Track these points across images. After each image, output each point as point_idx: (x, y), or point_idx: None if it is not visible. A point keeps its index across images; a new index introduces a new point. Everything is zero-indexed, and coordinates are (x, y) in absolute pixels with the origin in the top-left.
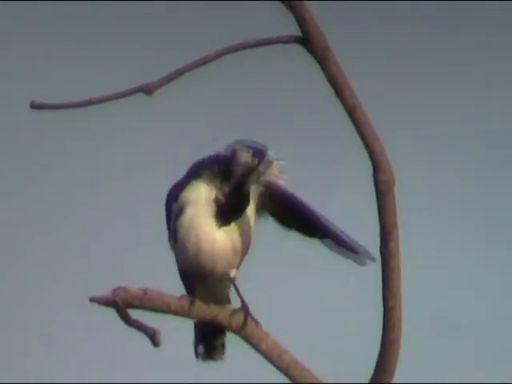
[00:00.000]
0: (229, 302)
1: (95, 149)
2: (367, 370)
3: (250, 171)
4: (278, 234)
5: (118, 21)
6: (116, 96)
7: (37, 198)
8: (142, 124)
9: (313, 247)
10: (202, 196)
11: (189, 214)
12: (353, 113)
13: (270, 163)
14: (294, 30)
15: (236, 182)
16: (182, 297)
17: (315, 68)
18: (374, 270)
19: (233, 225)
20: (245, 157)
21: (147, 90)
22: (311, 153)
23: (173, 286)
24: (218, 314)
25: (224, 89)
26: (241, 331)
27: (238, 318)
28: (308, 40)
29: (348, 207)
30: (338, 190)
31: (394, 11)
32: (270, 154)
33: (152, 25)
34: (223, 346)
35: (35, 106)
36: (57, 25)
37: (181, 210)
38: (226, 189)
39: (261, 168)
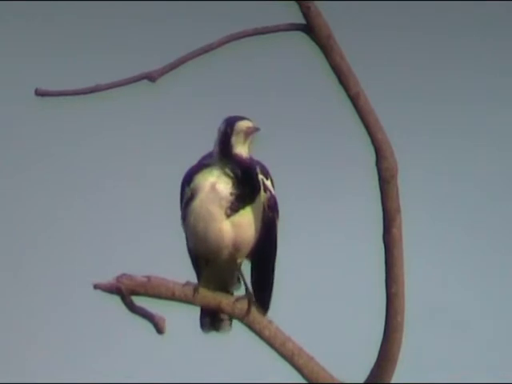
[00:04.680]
0: (234, 288)
1: (99, 136)
2: (370, 357)
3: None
4: (282, 225)
5: (122, 10)
6: (120, 83)
7: (42, 186)
8: (146, 110)
9: (319, 236)
10: (213, 183)
11: (199, 201)
12: (356, 101)
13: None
14: (298, 19)
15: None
16: (186, 284)
17: (319, 56)
18: (376, 257)
19: (240, 216)
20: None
21: (151, 77)
22: (314, 141)
23: (176, 274)
24: (222, 300)
25: (227, 76)
26: (244, 318)
27: (242, 306)
28: (312, 28)
29: (351, 194)
30: (341, 178)
31: (399, 0)
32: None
33: (155, 13)
34: (230, 319)
35: (40, 94)
36: (61, 13)
37: (192, 195)
38: (234, 173)
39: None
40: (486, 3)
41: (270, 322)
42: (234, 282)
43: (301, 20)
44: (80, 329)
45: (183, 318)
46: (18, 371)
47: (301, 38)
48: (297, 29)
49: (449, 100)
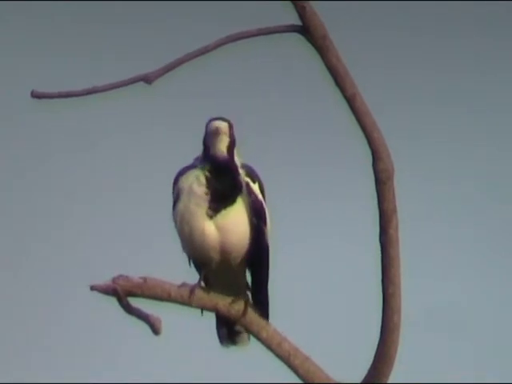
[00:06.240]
0: (241, 289)
1: (96, 137)
2: (367, 357)
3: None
4: (279, 226)
5: (119, 11)
6: (117, 85)
7: (40, 187)
8: (143, 112)
9: (315, 237)
10: (195, 185)
11: (181, 202)
12: (352, 102)
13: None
14: (294, 19)
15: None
16: (182, 285)
17: (315, 57)
18: (373, 258)
19: (223, 218)
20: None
21: (147, 79)
22: (311, 142)
23: (173, 276)
24: (218, 302)
25: (223, 78)
26: (241, 319)
27: (238, 307)
28: (307, 29)
29: (348, 196)
30: (337, 179)
31: (395, 1)
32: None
33: (152, 15)
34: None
35: (36, 96)
36: (58, 14)
37: (177, 197)
38: (210, 173)
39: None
40: (485, 3)
41: (267, 322)
42: (241, 287)
43: (296, 20)
44: (76, 330)
45: (179, 319)
46: (17, 371)
47: (297, 39)
48: (293, 30)
49: (446, 100)
